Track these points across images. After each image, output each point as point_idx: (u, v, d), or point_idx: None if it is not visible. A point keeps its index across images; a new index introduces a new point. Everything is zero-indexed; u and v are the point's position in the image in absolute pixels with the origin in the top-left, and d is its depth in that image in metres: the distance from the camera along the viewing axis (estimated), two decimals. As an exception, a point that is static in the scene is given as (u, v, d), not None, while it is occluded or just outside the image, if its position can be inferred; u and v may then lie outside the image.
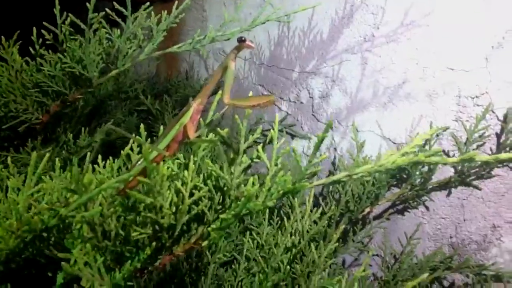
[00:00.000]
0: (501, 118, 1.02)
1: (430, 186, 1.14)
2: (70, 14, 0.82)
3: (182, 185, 0.59)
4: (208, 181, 0.62)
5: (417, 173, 1.16)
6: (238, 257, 0.83)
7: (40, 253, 0.53)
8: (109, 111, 1.44)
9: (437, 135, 1.13)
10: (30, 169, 0.51)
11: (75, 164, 1.03)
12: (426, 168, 1.14)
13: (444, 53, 1.10)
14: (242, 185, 0.59)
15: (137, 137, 0.65)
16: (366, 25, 1.25)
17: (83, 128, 1.04)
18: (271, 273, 0.77)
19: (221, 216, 0.53)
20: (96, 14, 0.82)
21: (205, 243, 0.57)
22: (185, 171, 0.61)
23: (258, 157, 0.63)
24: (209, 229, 0.53)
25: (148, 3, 0.87)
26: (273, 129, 0.68)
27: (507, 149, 0.99)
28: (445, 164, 0.54)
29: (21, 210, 0.53)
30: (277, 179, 0.54)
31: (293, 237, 0.83)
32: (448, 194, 1.12)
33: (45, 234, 0.51)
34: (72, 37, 0.85)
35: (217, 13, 1.75)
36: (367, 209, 1.19)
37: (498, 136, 1.01)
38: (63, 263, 0.49)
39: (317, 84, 1.42)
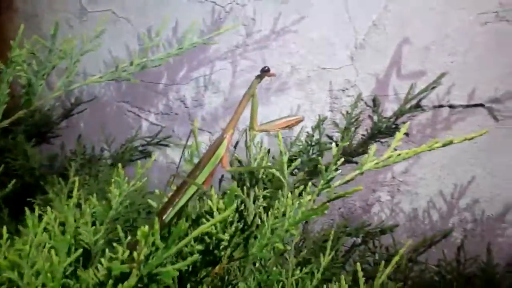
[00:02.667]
0: (369, 104, 1.26)
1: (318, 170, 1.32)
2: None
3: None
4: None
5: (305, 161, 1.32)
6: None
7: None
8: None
9: (319, 125, 1.31)
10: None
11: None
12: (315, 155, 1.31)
13: (315, 55, 1.28)
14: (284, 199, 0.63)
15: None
16: (237, 35, 1.35)
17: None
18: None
19: (280, 225, 0.57)
20: (21, 51, 0.71)
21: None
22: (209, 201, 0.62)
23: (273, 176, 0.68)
24: (269, 238, 0.57)
25: None
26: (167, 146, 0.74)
27: (381, 128, 1.22)
28: (430, 150, 0.69)
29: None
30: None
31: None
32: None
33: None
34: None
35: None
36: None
37: (371, 118, 1.24)
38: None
39: (190, 93, 1.45)
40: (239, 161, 0.69)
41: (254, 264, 0.88)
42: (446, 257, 1.20)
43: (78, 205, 0.82)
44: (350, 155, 1.30)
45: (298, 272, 0.90)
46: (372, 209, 1.35)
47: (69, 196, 1.07)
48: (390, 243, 1.26)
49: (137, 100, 1.53)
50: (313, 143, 1.26)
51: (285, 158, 0.68)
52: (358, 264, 0.74)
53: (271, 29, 1.30)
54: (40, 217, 0.72)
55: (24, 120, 1.51)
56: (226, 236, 0.54)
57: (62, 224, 0.75)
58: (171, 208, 0.59)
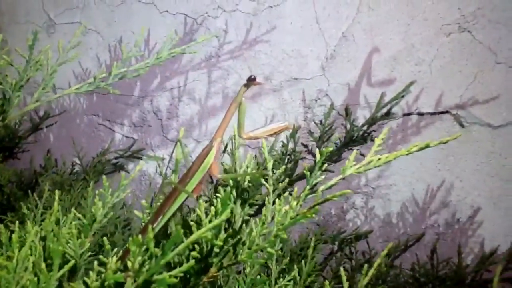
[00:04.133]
0: (342, 113, 1.29)
1: (295, 178, 1.33)
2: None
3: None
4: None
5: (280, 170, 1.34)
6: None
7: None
8: None
9: (294, 135, 1.33)
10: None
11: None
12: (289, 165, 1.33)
13: (287, 66, 1.30)
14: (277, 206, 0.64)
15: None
16: (209, 46, 1.36)
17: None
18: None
19: (268, 230, 0.58)
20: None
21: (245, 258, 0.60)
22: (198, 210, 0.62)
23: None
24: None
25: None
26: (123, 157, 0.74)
27: (353, 136, 1.25)
28: (407, 154, 0.71)
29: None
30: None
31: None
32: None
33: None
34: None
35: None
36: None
37: (345, 126, 1.27)
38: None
39: (164, 104, 1.45)
40: (225, 169, 0.69)
41: (239, 273, 0.88)
42: (420, 260, 1.23)
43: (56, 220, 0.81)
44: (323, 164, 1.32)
45: (281, 280, 0.90)
46: (347, 216, 1.37)
47: (43, 212, 1.04)
48: (366, 248, 1.29)
49: (108, 112, 1.51)
50: (288, 152, 1.28)
51: (270, 165, 0.69)
52: (342, 268, 0.75)
53: (243, 40, 1.32)
54: (12, 233, 0.71)
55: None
56: (220, 242, 0.55)
57: (43, 239, 0.74)
58: (161, 217, 0.59)
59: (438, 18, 1.15)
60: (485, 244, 1.21)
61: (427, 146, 0.70)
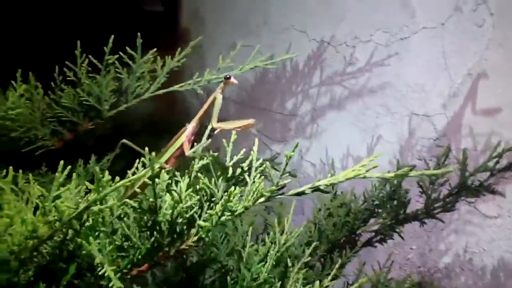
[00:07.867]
0: (458, 158, 1.16)
1: (401, 218, 1.25)
2: (89, 56, 0.98)
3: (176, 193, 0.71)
4: (200, 192, 0.74)
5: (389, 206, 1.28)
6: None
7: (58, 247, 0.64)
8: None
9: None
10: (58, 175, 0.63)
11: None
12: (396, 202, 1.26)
13: (408, 100, 1.25)
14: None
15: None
16: (334, 68, 1.42)
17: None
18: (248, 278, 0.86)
19: (209, 212, 0.66)
20: (112, 56, 0.98)
21: (193, 239, 0.69)
22: (180, 183, 0.73)
23: (242, 173, 0.77)
24: (199, 223, 0.65)
25: (155, 49, 1.04)
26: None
27: (465, 185, 1.11)
28: (384, 179, 0.67)
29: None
30: (254, 187, 0.68)
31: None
32: (422, 225, 1.21)
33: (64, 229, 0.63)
34: (89, 74, 1.00)
35: (215, 61, 1.91)
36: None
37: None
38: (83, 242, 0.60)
39: (302, 128, 1.56)
40: (212, 156, 0.78)
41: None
42: None
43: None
44: (433, 209, 1.21)
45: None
46: (454, 276, 1.21)
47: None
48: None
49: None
50: (393, 188, 1.23)
51: (229, 151, 0.76)
52: None
53: (369, 67, 1.33)
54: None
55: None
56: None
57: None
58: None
59: None
60: None
61: (405, 175, 0.65)
